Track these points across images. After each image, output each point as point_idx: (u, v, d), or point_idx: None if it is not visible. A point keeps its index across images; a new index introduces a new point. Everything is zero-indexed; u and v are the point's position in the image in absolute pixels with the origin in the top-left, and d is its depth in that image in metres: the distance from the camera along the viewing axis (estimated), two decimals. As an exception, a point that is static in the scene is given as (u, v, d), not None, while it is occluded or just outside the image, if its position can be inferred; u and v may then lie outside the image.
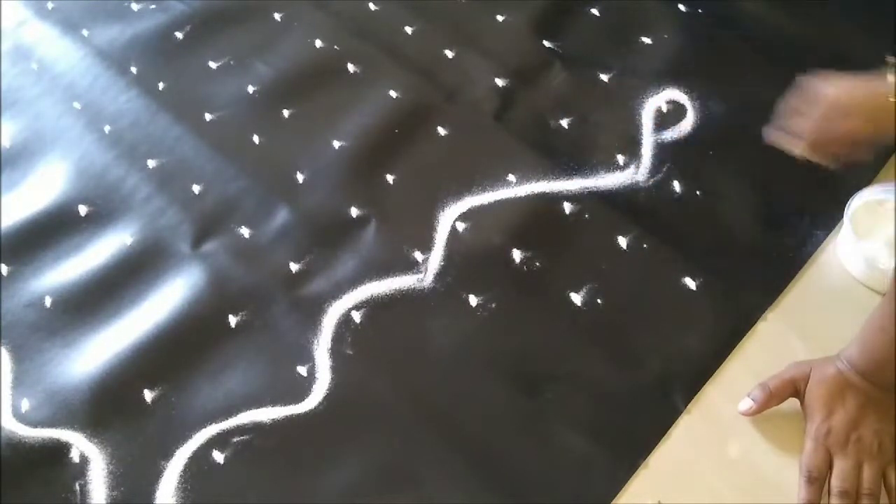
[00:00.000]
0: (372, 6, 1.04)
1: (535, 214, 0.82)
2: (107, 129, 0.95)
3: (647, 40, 0.96)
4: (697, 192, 0.82)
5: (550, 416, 0.69)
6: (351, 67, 0.98)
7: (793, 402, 0.67)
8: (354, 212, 0.85)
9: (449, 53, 0.98)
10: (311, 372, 0.74)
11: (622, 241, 0.79)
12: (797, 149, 0.73)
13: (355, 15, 1.03)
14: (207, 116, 0.95)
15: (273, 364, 0.74)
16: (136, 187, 0.89)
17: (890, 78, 0.67)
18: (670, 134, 0.87)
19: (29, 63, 1.04)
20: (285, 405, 0.72)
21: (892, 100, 0.66)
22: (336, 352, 0.75)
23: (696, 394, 0.69)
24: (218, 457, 0.69)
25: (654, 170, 0.84)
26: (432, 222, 0.83)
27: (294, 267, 0.81)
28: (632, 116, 0.89)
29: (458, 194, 0.84)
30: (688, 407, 0.69)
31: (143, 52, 1.02)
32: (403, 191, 0.86)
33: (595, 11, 1.00)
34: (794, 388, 0.66)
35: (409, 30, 1.01)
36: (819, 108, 0.71)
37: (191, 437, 0.71)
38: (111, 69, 1.00)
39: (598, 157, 0.86)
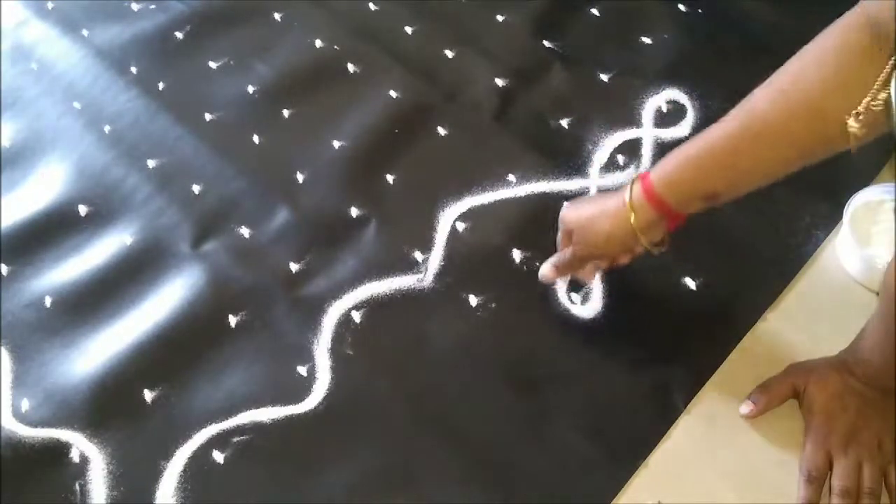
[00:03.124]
0: (372, 6, 1.04)
1: (535, 214, 0.82)
2: (107, 129, 0.95)
3: (647, 40, 0.96)
4: (697, 192, 0.82)
5: (550, 417, 0.69)
6: (351, 67, 0.98)
7: (793, 403, 0.67)
8: (354, 212, 0.84)
9: (449, 53, 0.98)
10: (311, 372, 0.74)
11: (622, 241, 0.79)
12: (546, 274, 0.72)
13: (355, 15, 1.03)
14: (207, 116, 0.95)
15: (273, 364, 0.74)
16: (136, 187, 0.89)
17: (625, 194, 0.64)
18: (670, 134, 0.87)
19: (29, 63, 1.04)
20: (285, 405, 0.72)
21: (631, 222, 0.63)
22: (336, 352, 0.75)
23: (696, 394, 0.69)
24: (218, 457, 0.69)
25: (655, 170, 0.84)
26: (432, 222, 0.83)
27: (294, 267, 0.81)
28: (632, 116, 0.89)
29: (458, 194, 0.84)
30: (688, 407, 0.69)
31: (143, 52, 1.02)
32: (403, 191, 0.86)
33: (595, 11, 1.00)
34: (794, 389, 0.66)
35: (409, 30, 1.01)
36: (561, 233, 0.71)
37: (191, 437, 0.70)
38: (111, 69, 1.00)
39: (598, 156, 0.86)
